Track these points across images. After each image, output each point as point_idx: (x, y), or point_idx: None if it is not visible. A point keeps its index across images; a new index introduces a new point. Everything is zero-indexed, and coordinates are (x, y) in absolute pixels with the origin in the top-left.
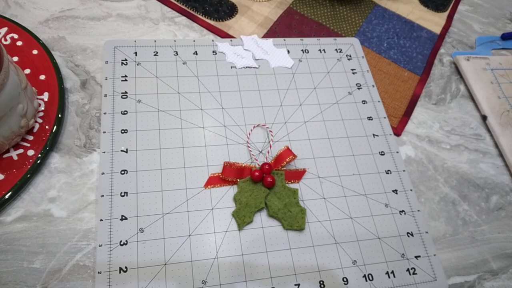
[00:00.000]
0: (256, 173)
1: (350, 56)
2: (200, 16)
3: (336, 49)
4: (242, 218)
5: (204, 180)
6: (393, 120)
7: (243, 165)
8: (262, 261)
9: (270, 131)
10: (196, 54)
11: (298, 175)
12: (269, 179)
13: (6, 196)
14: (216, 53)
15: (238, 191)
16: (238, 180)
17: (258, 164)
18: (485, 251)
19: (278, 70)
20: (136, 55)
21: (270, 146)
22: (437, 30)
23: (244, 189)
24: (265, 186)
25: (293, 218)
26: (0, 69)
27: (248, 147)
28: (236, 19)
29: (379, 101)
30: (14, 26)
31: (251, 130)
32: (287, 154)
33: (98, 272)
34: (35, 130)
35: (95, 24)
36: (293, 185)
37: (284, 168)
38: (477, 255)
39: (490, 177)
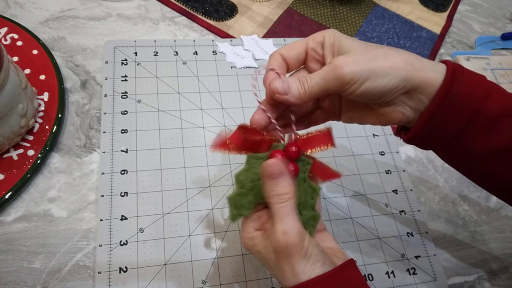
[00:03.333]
0: (278, 156)
1: None
2: (200, 16)
3: None
4: (239, 208)
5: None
6: None
7: (263, 133)
8: None
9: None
10: (196, 54)
11: (327, 173)
12: (292, 168)
13: (6, 196)
14: (216, 53)
15: (244, 169)
16: (249, 155)
17: (282, 138)
18: (485, 251)
19: None
20: (136, 55)
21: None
22: (437, 30)
23: (254, 169)
24: None
25: (303, 223)
26: (0, 69)
27: (256, 95)
28: (236, 19)
29: None
30: (14, 26)
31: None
32: (324, 139)
33: (98, 272)
34: (35, 130)
35: (95, 24)
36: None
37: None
38: (477, 255)
39: None
